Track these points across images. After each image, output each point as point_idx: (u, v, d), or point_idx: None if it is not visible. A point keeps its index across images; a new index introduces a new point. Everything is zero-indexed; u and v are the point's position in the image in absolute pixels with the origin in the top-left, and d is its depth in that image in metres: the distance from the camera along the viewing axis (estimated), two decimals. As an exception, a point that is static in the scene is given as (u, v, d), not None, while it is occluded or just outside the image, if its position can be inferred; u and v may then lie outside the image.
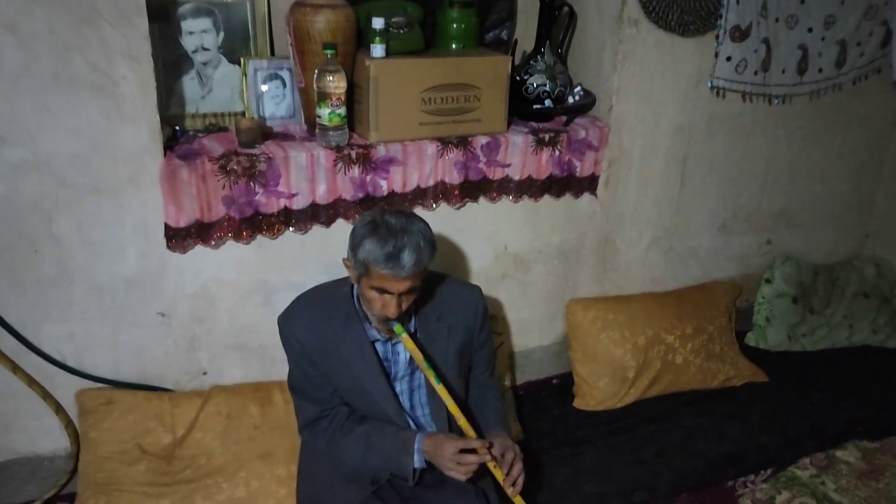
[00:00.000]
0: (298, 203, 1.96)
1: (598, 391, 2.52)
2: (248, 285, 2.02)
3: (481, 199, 2.25)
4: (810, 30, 2.55)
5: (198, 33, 1.99)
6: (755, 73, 2.49)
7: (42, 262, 1.76)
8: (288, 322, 1.75)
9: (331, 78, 1.88)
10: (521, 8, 2.38)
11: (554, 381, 2.69)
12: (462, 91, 2.08)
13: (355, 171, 1.98)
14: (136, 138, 1.73)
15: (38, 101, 1.62)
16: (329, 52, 1.86)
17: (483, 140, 2.14)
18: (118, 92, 1.68)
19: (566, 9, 2.35)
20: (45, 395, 1.87)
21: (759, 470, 2.29)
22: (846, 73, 2.72)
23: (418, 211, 2.12)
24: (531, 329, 2.58)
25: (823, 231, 3.10)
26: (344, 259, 1.70)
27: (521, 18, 2.40)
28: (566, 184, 2.36)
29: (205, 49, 2.01)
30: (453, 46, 2.19)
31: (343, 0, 1.94)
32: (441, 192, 2.15)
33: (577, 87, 2.38)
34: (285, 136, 2.03)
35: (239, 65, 2.03)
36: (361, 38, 2.02)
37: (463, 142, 2.11)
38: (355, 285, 1.74)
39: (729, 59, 2.41)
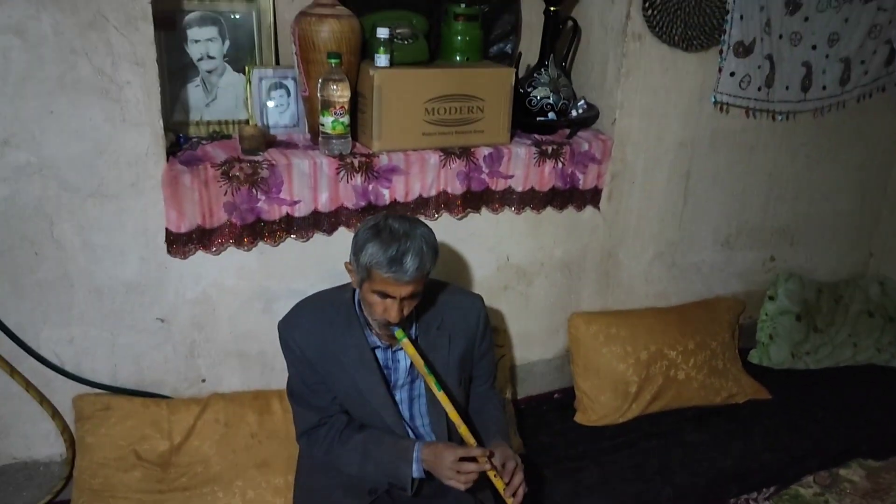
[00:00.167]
0: (300, 210, 1.96)
1: (599, 406, 2.50)
2: (249, 292, 2.01)
3: (483, 210, 2.25)
4: (814, 47, 2.56)
5: (203, 41, 2.00)
6: (759, 89, 2.50)
7: (43, 265, 1.76)
8: (288, 327, 1.74)
9: (335, 87, 1.89)
10: (525, 22, 2.40)
11: (555, 395, 2.67)
12: (465, 102, 2.08)
13: (358, 179, 1.99)
14: (140, 143, 1.74)
15: (42, 105, 1.63)
16: (333, 61, 1.87)
17: (486, 151, 2.15)
18: (122, 96, 1.69)
19: (570, 23, 2.36)
20: (42, 400, 1.86)
21: (762, 488, 2.26)
22: (850, 90, 2.73)
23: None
24: (533, 342, 2.56)
25: (827, 249, 3.09)
26: (346, 263, 1.70)
27: (525, 32, 2.41)
28: (569, 196, 2.36)
29: (210, 57, 2.02)
30: (457, 59, 2.20)
31: (348, 10, 1.95)
32: (443, 202, 2.15)
33: (580, 100, 2.39)
34: (288, 145, 2.04)
35: (244, 73, 2.04)
36: (366, 48, 2.03)
37: (465, 152, 2.11)
38: (357, 291, 1.74)
39: (732, 74, 2.42)
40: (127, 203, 1.78)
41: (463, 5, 2.14)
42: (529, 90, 2.29)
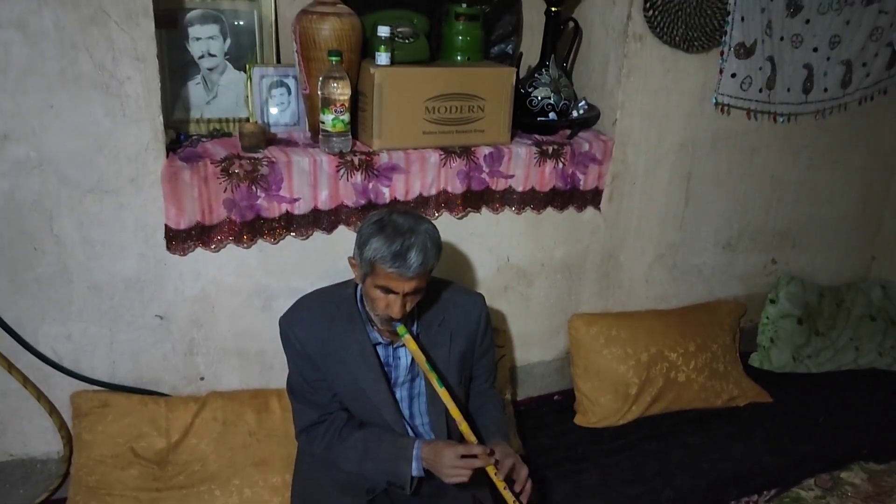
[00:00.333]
0: (300, 208, 1.96)
1: (599, 408, 2.48)
2: (248, 290, 2.01)
3: (484, 210, 2.25)
4: (815, 49, 2.56)
5: (204, 39, 2.00)
6: (760, 91, 2.50)
7: (42, 261, 1.76)
8: (289, 322, 1.74)
9: (335, 84, 1.89)
10: (526, 23, 2.40)
11: (556, 397, 2.66)
12: (466, 101, 2.08)
13: (358, 177, 1.98)
14: (139, 138, 1.74)
15: (43, 99, 1.63)
16: (334, 58, 1.87)
17: (486, 150, 2.14)
18: (123, 92, 1.69)
19: (571, 24, 2.36)
20: (39, 396, 1.85)
21: (763, 490, 2.25)
22: (852, 93, 2.73)
23: (420, 219, 2.11)
24: (533, 343, 2.56)
25: (829, 252, 3.09)
26: (349, 257, 1.69)
27: (526, 33, 2.42)
28: (569, 197, 2.35)
29: (211, 55, 2.02)
30: (458, 58, 2.20)
31: (349, 9, 1.95)
32: (443, 201, 2.15)
33: (581, 101, 2.39)
34: (289, 143, 2.04)
35: (245, 71, 2.04)
36: (367, 47, 2.04)
37: (466, 151, 2.11)
38: (359, 287, 1.74)
39: (734, 75, 2.42)
40: (126, 199, 1.78)
41: (464, 5, 2.14)
42: (530, 90, 2.29)
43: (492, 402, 1.96)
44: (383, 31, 1.95)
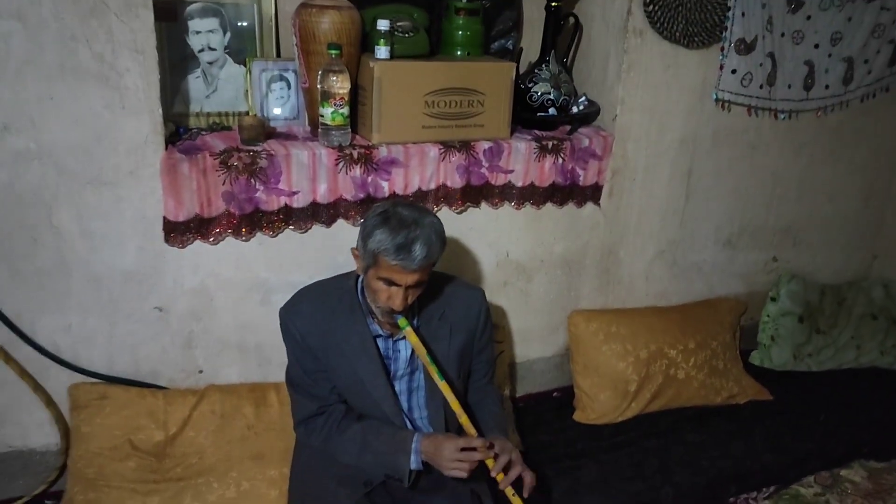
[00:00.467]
0: (299, 201, 1.96)
1: (599, 404, 2.48)
2: (247, 283, 2.01)
3: (483, 205, 2.24)
4: (816, 46, 2.55)
5: (204, 33, 2.01)
6: (760, 87, 2.49)
7: (41, 252, 1.76)
8: (289, 314, 1.74)
9: (335, 78, 1.89)
10: (526, 18, 2.40)
11: (555, 393, 2.66)
12: (465, 95, 2.08)
13: (357, 171, 1.98)
14: (138, 131, 1.74)
15: (42, 90, 1.63)
16: (333, 52, 1.87)
17: (486, 145, 2.14)
18: (122, 83, 1.69)
19: (571, 19, 2.36)
20: (36, 388, 1.85)
21: (762, 487, 2.24)
22: (853, 90, 2.72)
23: (420, 213, 2.11)
24: (532, 339, 2.55)
25: (831, 250, 3.08)
26: (352, 248, 1.69)
27: (526, 29, 2.42)
28: (569, 192, 2.35)
29: (211, 49, 2.03)
30: (458, 53, 2.20)
31: (349, 2, 1.96)
32: (443, 196, 2.14)
33: (581, 96, 2.39)
34: (288, 136, 2.04)
35: (244, 65, 2.04)
36: (366, 41, 2.04)
37: (465, 146, 2.11)
38: (360, 279, 1.74)
39: (734, 71, 2.41)
40: (125, 191, 1.78)
41: (464, 0, 2.14)
42: (530, 86, 2.29)
43: (490, 397, 1.95)
44: (383, 24, 1.95)
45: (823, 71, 2.61)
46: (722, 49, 2.38)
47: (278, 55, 2.10)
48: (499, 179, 2.22)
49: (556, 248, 2.44)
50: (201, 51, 2.02)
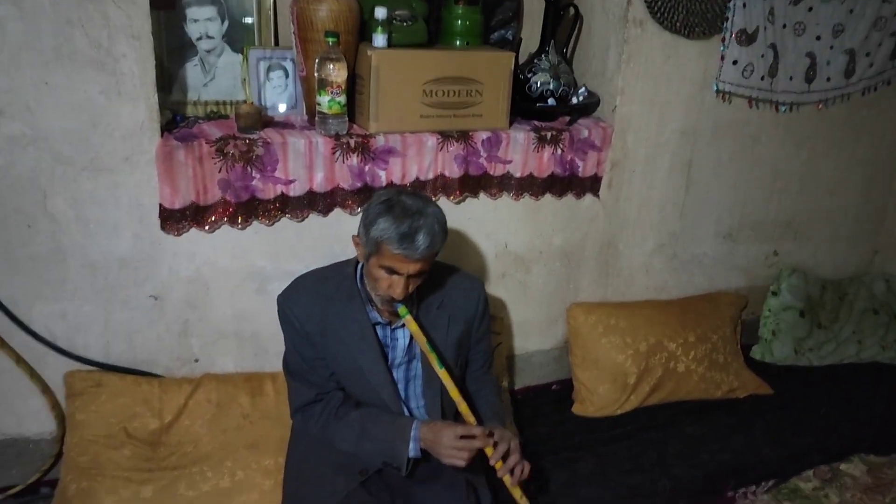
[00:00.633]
0: (295, 190, 1.95)
1: (597, 397, 2.47)
2: (243, 272, 2.00)
3: (482, 195, 2.23)
4: (818, 38, 2.54)
5: (202, 21, 2.00)
6: (762, 79, 2.47)
7: (36, 238, 1.76)
8: (288, 301, 1.73)
9: (332, 66, 1.88)
10: (526, 9, 2.39)
11: (554, 386, 2.65)
12: (464, 85, 2.07)
13: (354, 159, 1.97)
14: (134, 117, 1.73)
15: (38, 76, 1.63)
16: (331, 39, 1.87)
17: (484, 135, 2.13)
18: (118, 69, 1.68)
19: (572, 9, 2.35)
20: (32, 374, 1.85)
21: (761, 481, 2.22)
22: (855, 83, 2.70)
23: (417, 203, 2.10)
24: (531, 332, 2.54)
25: (832, 245, 3.06)
26: (354, 236, 1.68)
27: (526, 20, 2.41)
28: (568, 183, 2.34)
29: (209, 37, 2.02)
30: (457, 43, 2.19)
31: (347, -10, 1.95)
32: (441, 186, 2.13)
33: (581, 87, 2.38)
34: (285, 125, 2.03)
35: (242, 53, 2.04)
36: (365, 30, 2.03)
37: (464, 136, 2.10)
38: (359, 266, 1.73)
39: (735, 62, 2.40)
40: (121, 177, 1.78)
41: (463, -11, 2.13)
42: (529, 76, 2.27)
43: (488, 386, 1.95)
44: (381, 13, 1.94)
45: (825, 63, 2.60)
46: (723, 40, 2.36)
47: (276, 44, 2.10)
48: (497, 170, 2.21)
49: (554, 239, 2.43)
50: (199, 39, 2.01)
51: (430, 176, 2.11)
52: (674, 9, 2.25)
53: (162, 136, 1.80)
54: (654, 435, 2.37)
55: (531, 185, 2.28)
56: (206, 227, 1.89)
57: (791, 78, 2.55)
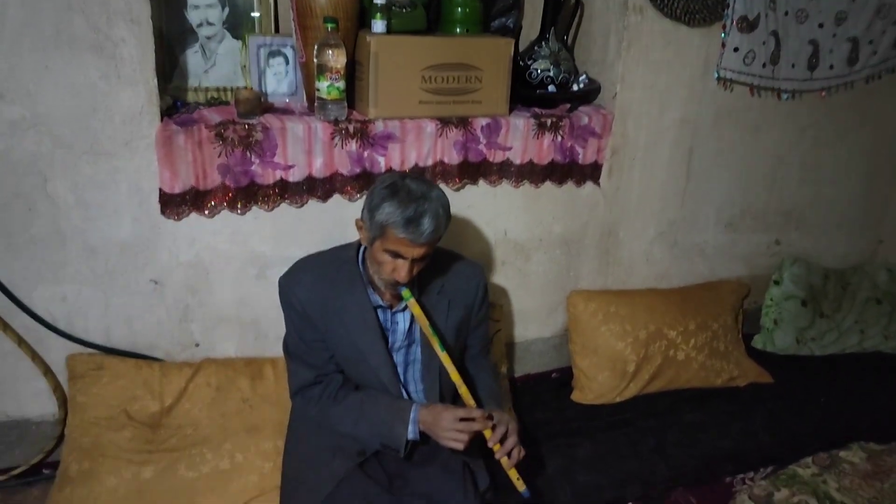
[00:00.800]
0: (295, 175, 1.96)
1: (597, 384, 2.47)
2: (243, 257, 2.01)
3: (481, 182, 2.24)
4: (821, 25, 2.53)
5: (203, 7, 2.01)
6: (763, 66, 2.46)
7: (36, 222, 1.77)
8: (290, 283, 1.74)
9: (331, 52, 1.88)
10: (527, -3, 2.39)
11: (553, 374, 2.65)
12: (463, 71, 2.07)
13: (353, 145, 1.98)
14: (134, 101, 1.75)
15: (37, 59, 1.64)
16: (330, 25, 1.87)
17: (483, 121, 2.13)
18: (117, 54, 1.69)
19: (572, -4, 2.35)
20: (34, 356, 1.87)
21: (759, 468, 2.22)
22: (858, 71, 2.69)
23: (416, 190, 2.11)
24: (531, 320, 2.54)
25: (835, 234, 3.05)
26: (357, 220, 1.69)
27: (527, 8, 2.40)
28: (568, 170, 2.34)
29: (209, 23, 2.03)
30: (457, 31, 2.19)
31: (346, -24, 1.95)
32: (440, 173, 2.14)
33: (582, 75, 2.37)
34: (285, 111, 2.04)
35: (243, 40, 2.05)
36: (364, 17, 2.03)
37: (463, 122, 2.10)
38: (361, 250, 1.74)
39: (736, 49, 2.39)
40: (121, 162, 1.79)
41: (463, -25, 2.13)
42: (530, 63, 2.27)
43: (485, 370, 1.96)
44: (380, -1, 1.95)
45: (828, 51, 2.58)
46: (724, 27, 2.35)
47: (276, 31, 2.10)
48: (497, 157, 2.21)
49: (554, 227, 2.43)
50: (199, 25, 2.02)
51: (430, 162, 2.11)
52: (674, -5, 2.25)
53: (162, 121, 1.81)
54: (653, 422, 2.37)
55: (531, 173, 2.28)
56: (206, 212, 1.90)
57: (793, 65, 2.54)
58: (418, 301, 1.72)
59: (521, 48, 2.31)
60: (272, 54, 2.08)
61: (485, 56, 2.08)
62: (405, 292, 1.65)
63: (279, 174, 1.94)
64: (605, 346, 2.47)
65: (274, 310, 2.03)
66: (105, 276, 1.88)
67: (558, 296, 2.55)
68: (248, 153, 1.88)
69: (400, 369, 1.81)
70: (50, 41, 1.64)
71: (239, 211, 1.94)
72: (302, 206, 2.01)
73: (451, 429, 1.61)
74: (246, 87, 2.06)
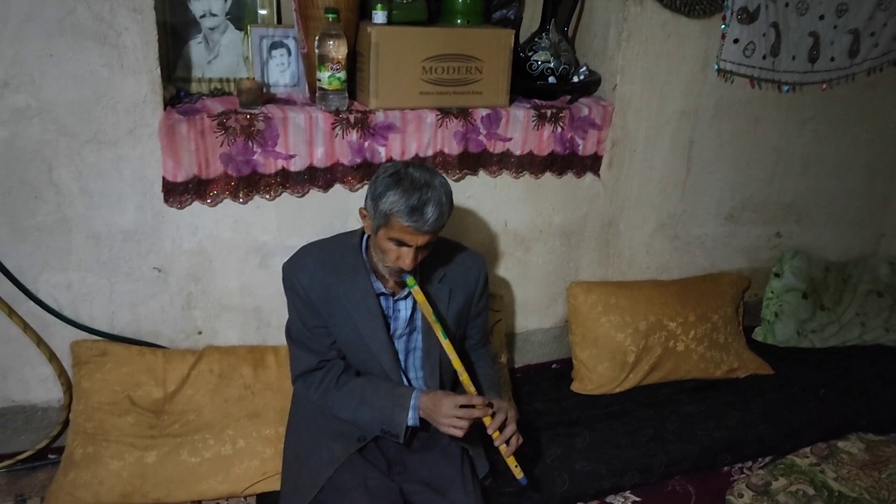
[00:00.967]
0: (296, 165, 1.98)
1: (596, 375, 2.49)
2: (245, 246, 2.03)
3: (481, 173, 2.25)
4: (822, 17, 2.52)
5: (206, -2, 2.03)
6: (763, 58, 2.47)
7: (41, 209, 1.80)
8: (293, 268, 1.76)
9: (332, 42, 1.90)
10: (529, -10, 2.40)
11: (554, 365, 2.67)
12: (463, 62, 2.09)
13: (353, 135, 2.00)
14: (137, 90, 1.77)
15: (42, 48, 1.66)
16: (331, 16, 1.89)
17: (483, 112, 2.15)
18: (120, 43, 1.72)
19: (573, -12, 2.36)
20: (40, 342, 1.89)
21: (757, 457, 2.24)
22: (860, 63, 2.69)
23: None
24: (531, 310, 2.56)
25: (837, 227, 3.05)
26: (360, 208, 1.70)
27: (528, 0, 2.41)
28: (568, 162, 2.35)
29: (212, 14, 2.05)
30: (458, 22, 2.20)
31: (347, -33, 1.97)
32: (440, 163, 2.15)
33: (582, 66, 2.39)
34: (287, 102, 2.06)
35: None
36: (365, 8, 2.05)
37: (463, 113, 2.12)
38: (364, 237, 1.76)
39: (736, 41, 2.39)
40: (124, 150, 1.81)
41: (464, -33, 2.14)
42: (530, 54, 2.29)
43: (484, 359, 1.98)
44: (380, -11, 1.97)
45: (829, 43, 2.58)
46: (724, 18, 2.36)
47: (279, 22, 2.12)
48: (497, 147, 2.22)
49: (554, 218, 2.44)
50: (203, 16, 2.04)
51: (430, 153, 2.13)
52: (674, -13, 2.26)
53: (165, 110, 1.83)
54: (652, 412, 2.38)
55: (531, 164, 2.29)
56: (209, 201, 1.93)
57: (794, 57, 2.54)
58: (421, 289, 1.74)
59: (522, 40, 2.32)
60: (274, 45, 2.10)
61: (485, 47, 2.10)
62: (409, 280, 1.66)
63: (281, 163, 1.96)
64: (605, 337, 2.48)
65: (276, 298, 2.06)
66: (109, 264, 1.91)
67: (558, 287, 2.56)
68: (249, 142, 1.90)
69: (401, 356, 1.83)
70: (54, 29, 1.66)
71: (241, 200, 1.96)
72: (303, 195, 2.03)
73: (450, 415, 1.63)
74: (248, 78, 2.08)
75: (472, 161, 2.21)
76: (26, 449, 1.98)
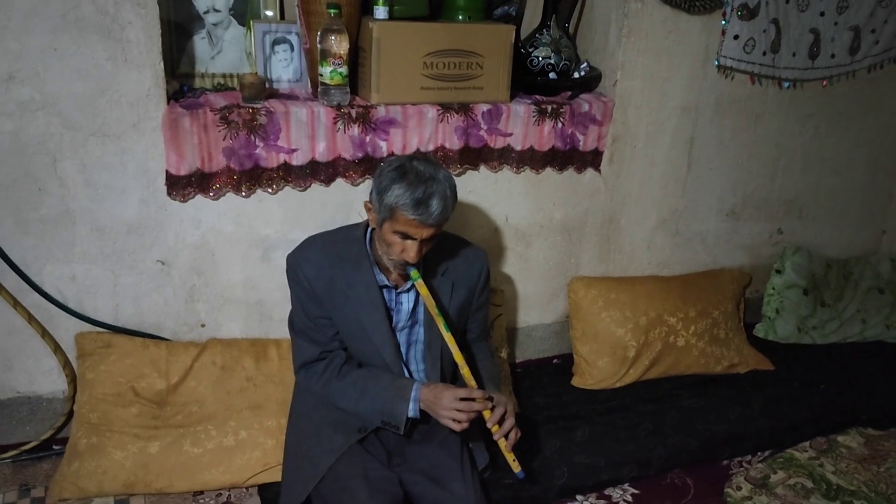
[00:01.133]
0: (298, 159, 2.00)
1: (597, 370, 2.50)
2: (248, 239, 2.05)
3: (482, 168, 2.27)
4: (822, 13, 2.53)
5: (209, -6, 2.05)
6: (764, 54, 2.47)
7: (46, 202, 1.82)
8: (297, 259, 1.77)
9: (333, 37, 1.92)
10: (530, -14, 2.41)
11: (555, 360, 2.68)
12: (464, 58, 2.10)
13: (355, 130, 2.02)
14: (141, 84, 1.79)
15: (46, 41, 1.68)
16: (333, 11, 1.91)
17: (484, 107, 2.16)
18: (124, 36, 1.74)
19: (574, -16, 2.37)
20: (44, 334, 1.91)
21: (757, 451, 2.25)
22: (860, 60, 2.69)
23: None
24: (532, 306, 2.57)
25: (838, 224, 3.05)
26: (365, 202, 1.72)
27: (530, -3, 2.43)
28: (569, 157, 2.36)
29: (216, 10, 2.07)
30: (459, 18, 2.22)
31: (349, -37, 1.98)
32: (441, 158, 2.17)
33: (583, 62, 2.40)
34: (290, 97, 2.08)
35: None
36: (367, 4, 2.07)
37: (464, 108, 2.13)
38: (368, 230, 1.77)
39: (736, 37, 2.40)
40: (128, 144, 1.83)
41: (465, -37, 2.16)
42: (531, 50, 2.30)
43: (483, 353, 1.99)
44: (382, -15, 1.98)
45: (829, 39, 2.59)
46: (724, 14, 2.37)
47: (282, 17, 2.14)
48: (497, 142, 2.24)
49: (555, 214, 2.45)
50: (206, 12, 2.06)
51: (431, 147, 2.14)
52: (674, -17, 2.27)
53: (169, 104, 1.85)
54: (652, 406, 2.39)
55: (532, 159, 2.30)
56: (211, 194, 1.94)
57: (794, 54, 2.55)
58: (424, 282, 1.76)
59: (523, 36, 2.34)
60: (277, 41, 2.11)
61: (486, 43, 2.11)
62: (413, 273, 1.68)
63: (283, 158, 1.98)
64: (606, 332, 2.49)
65: (278, 292, 2.08)
66: (113, 256, 1.93)
67: (559, 282, 2.57)
68: (252, 136, 1.92)
69: (402, 349, 1.84)
70: (58, 23, 1.68)
71: (243, 193, 1.98)
72: (305, 189, 2.05)
73: (451, 408, 1.64)
74: (251, 73, 2.10)
75: (473, 156, 2.22)
76: (31, 439, 2.00)
